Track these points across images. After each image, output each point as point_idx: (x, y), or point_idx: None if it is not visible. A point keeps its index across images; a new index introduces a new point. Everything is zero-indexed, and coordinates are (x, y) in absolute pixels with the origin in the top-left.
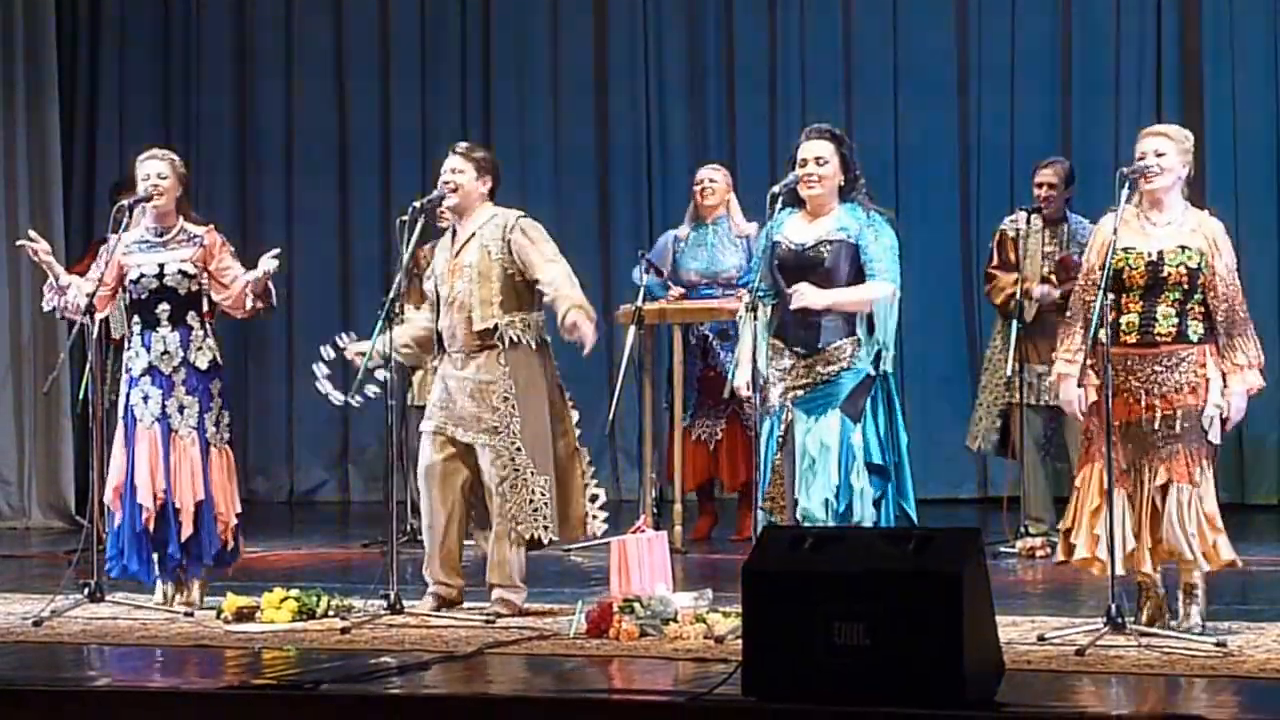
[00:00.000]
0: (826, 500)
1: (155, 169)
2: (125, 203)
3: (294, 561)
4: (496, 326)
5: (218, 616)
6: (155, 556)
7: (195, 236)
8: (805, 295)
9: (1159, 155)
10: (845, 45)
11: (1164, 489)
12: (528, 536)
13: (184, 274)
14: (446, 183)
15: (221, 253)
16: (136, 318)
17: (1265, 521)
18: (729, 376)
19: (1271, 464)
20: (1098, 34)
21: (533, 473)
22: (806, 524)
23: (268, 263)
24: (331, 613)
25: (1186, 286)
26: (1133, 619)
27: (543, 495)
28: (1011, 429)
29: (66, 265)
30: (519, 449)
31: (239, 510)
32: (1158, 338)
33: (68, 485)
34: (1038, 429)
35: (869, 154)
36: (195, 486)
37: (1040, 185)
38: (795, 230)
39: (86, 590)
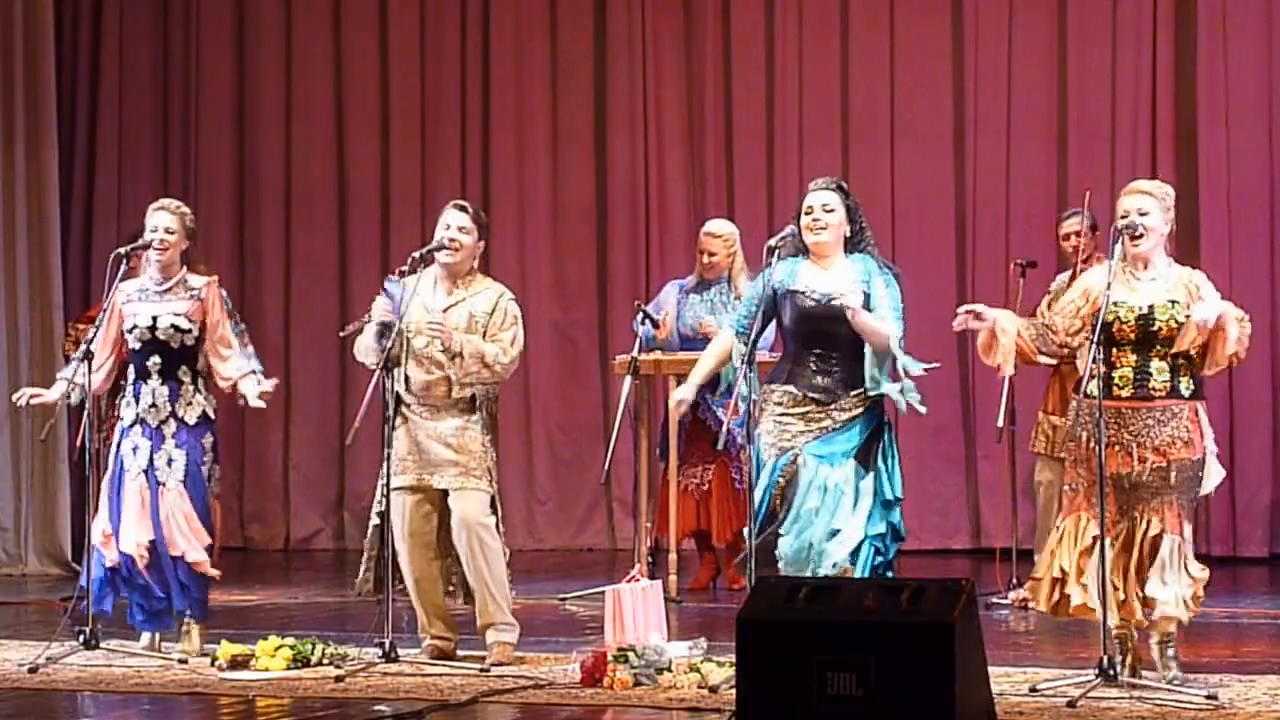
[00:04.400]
0: (863, 539)
1: (163, 222)
2: (121, 251)
3: (289, 609)
4: (474, 396)
5: (212, 664)
6: (144, 604)
7: (194, 290)
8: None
9: (1143, 214)
10: (843, 98)
11: (1156, 540)
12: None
13: (176, 328)
14: (452, 240)
15: (218, 310)
16: (131, 367)
17: (1256, 575)
18: (723, 427)
19: (1263, 518)
20: (1093, 87)
21: (497, 525)
22: (824, 566)
23: (255, 395)
24: (326, 661)
25: (1175, 340)
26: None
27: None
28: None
29: (71, 317)
30: (492, 499)
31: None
32: (1153, 392)
33: (64, 532)
34: (1049, 479)
35: (866, 206)
36: (192, 538)
37: (1067, 236)
38: (814, 280)
39: (82, 637)
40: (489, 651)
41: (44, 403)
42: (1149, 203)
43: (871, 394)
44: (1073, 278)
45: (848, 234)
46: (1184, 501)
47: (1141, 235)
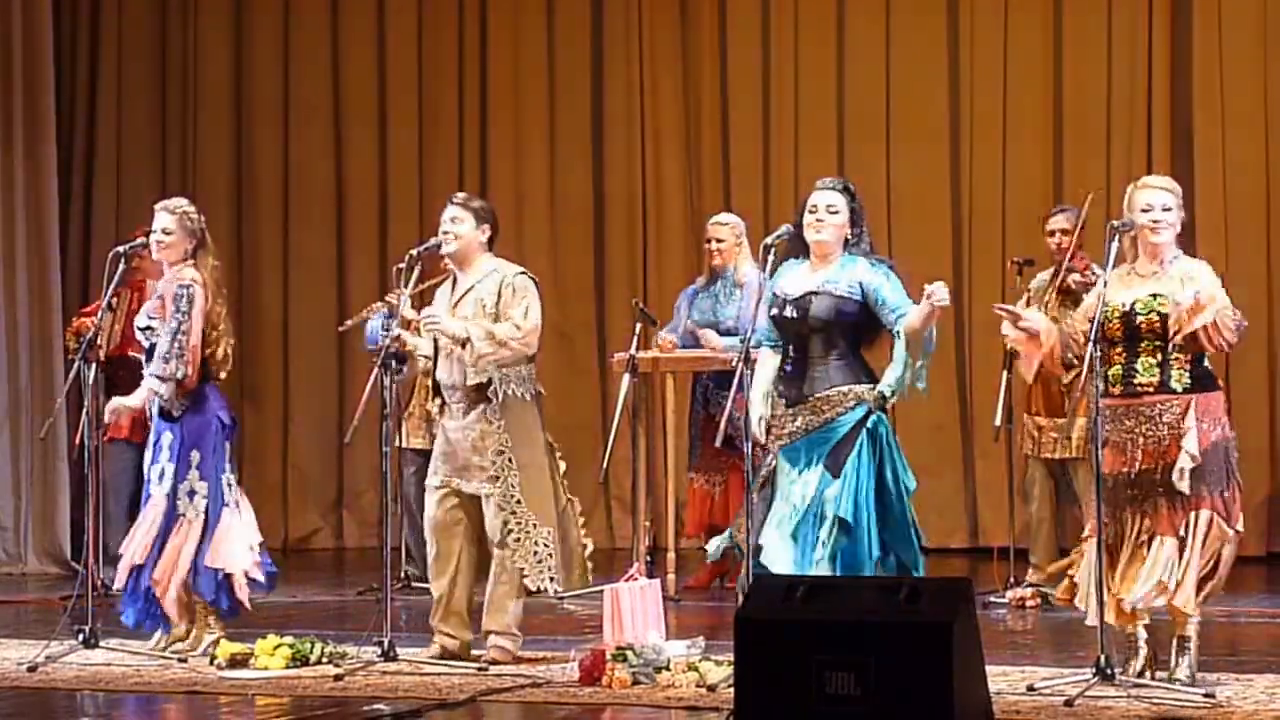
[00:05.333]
0: (795, 551)
1: (160, 223)
2: (120, 250)
3: (288, 608)
4: (491, 380)
5: (211, 663)
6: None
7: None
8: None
9: (1166, 210)
10: (839, 97)
11: (1149, 542)
12: (534, 588)
13: (139, 329)
14: (446, 233)
15: (167, 309)
16: None
17: (1254, 573)
18: (722, 425)
19: (1259, 516)
20: (1089, 85)
21: (535, 525)
22: (767, 568)
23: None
24: (325, 660)
25: (1161, 333)
26: (1121, 670)
27: (546, 547)
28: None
29: (72, 314)
30: (519, 501)
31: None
32: (1139, 388)
33: (64, 531)
34: (1039, 479)
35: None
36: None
37: (1052, 233)
38: (791, 282)
39: (81, 636)
40: (487, 651)
41: (132, 406)
42: (1171, 199)
43: (864, 395)
44: (1054, 276)
45: (848, 236)
46: (1178, 501)
47: (1167, 228)
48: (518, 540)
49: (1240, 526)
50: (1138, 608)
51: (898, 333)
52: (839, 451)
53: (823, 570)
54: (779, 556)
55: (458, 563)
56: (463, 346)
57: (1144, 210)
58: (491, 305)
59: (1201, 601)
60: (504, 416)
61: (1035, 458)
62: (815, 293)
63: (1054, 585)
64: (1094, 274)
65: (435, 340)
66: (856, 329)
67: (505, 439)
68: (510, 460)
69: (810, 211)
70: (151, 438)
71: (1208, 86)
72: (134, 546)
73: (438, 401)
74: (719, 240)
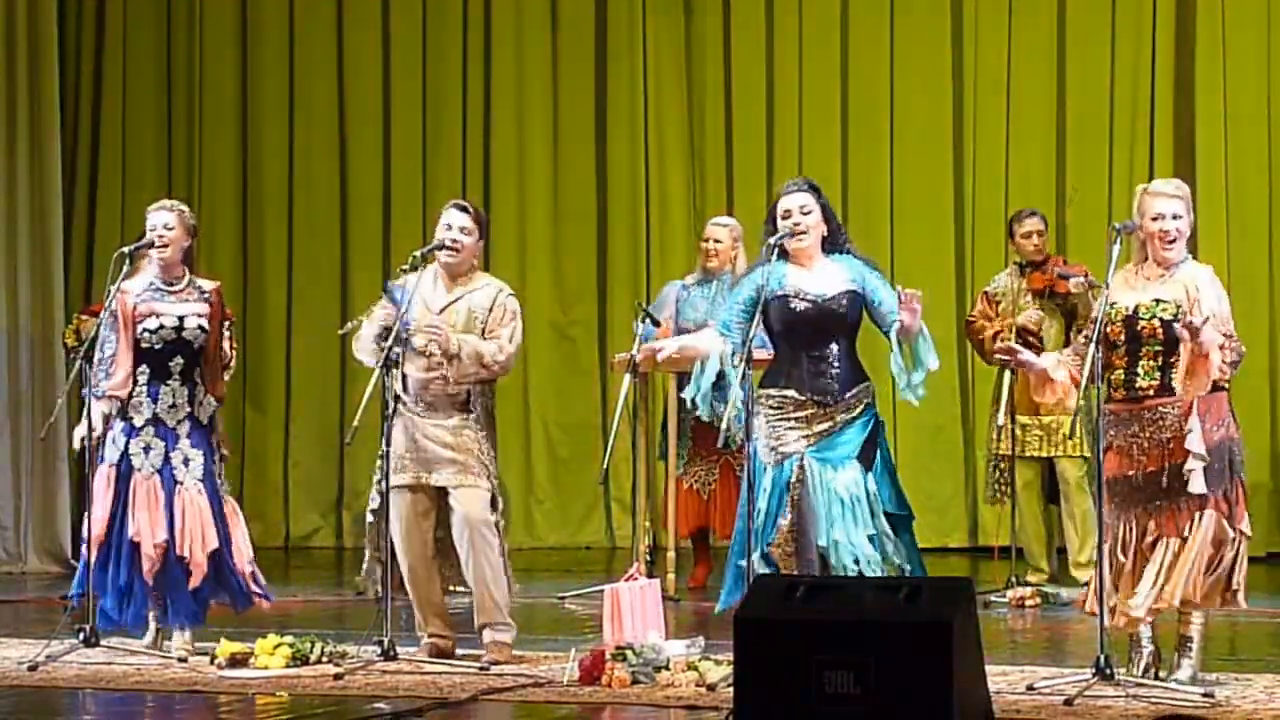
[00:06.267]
0: (872, 538)
1: (162, 220)
2: (124, 250)
3: (288, 607)
4: (469, 391)
5: (211, 662)
6: (155, 602)
7: (205, 293)
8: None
9: (1176, 218)
10: (843, 98)
11: (1154, 545)
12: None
13: (202, 329)
14: (455, 241)
15: (222, 318)
16: (144, 367)
17: (1254, 573)
18: (723, 425)
19: (1260, 517)
20: (1092, 86)
21: (505, 528)
22: (847, 566)
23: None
24: (325, 659)
25: (1163, 338)
26: (1126, 670)
27: (503, 548)
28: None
29: (74, 313)
30: (493, 496)
31: (251, 556)
32: (1140, 392)
33: (64, 530)
34: (1027, 478)
35: (864, 205)
36: (207, 536)
37: (1029, 235)
38: (804, 281)
39: (81, 635)
40: (485, 650)
41: (95, 432)
42: (1180, 206)
43: (872, 398)
44: (1032, 279)
45: (824, 233)
46: (1181, 503)
47: (1175, 240)
48: (495, 535)
49: (1246, 527)
50: (1140, 616)
51: (894, 337)
52: (867, 446)
53: (898, 559)
54: (853, 552)
55: (430, 565)
56: (449, 361)
57: (1154, 220)
58: (482, 318)
59: (1220, 605)
60: (479, 420)
61: (1021, 457)
62: (848, 293)
63: (1054, 585)
64: (1091, 280)
65: (406, 338)
66: (859, 326)
67: (484, 438)
68: (488, 463)
69: (784, 216)
70: (142, 441)
71: (1210, 88)
72: (209, 540)
73: (395, 392)
74: (716, 241)
